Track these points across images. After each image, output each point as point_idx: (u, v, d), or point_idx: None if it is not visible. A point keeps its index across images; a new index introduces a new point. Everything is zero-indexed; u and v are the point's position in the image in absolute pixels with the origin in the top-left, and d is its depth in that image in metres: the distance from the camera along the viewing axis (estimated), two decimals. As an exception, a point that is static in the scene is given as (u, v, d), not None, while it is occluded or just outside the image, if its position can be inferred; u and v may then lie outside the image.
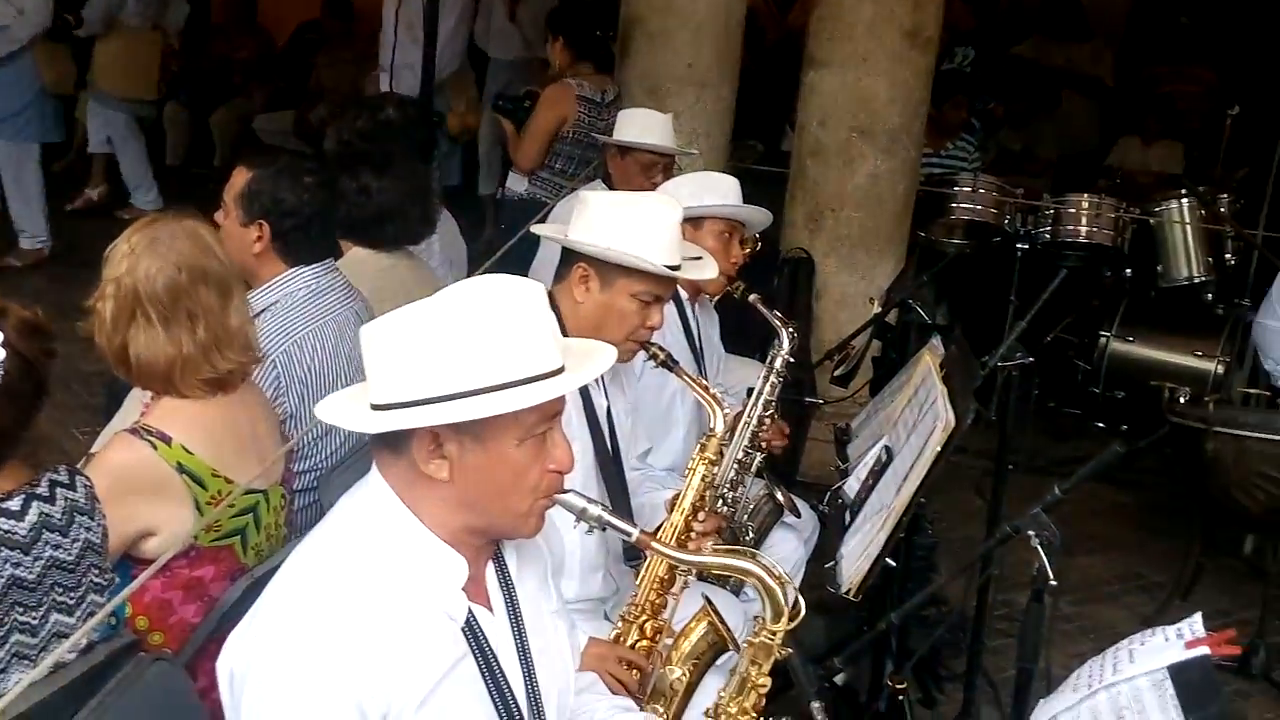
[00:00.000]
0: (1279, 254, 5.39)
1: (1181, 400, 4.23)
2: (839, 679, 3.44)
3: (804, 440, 4.89)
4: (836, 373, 4.31)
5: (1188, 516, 4.29)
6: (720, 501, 3.16)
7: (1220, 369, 5.63)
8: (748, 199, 3.48)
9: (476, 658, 1.66)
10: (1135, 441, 5.25)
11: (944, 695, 3.56)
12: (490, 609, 1.72)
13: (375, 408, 1.62)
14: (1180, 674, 1.72)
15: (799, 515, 3.29)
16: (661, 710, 2.46)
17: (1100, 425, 6.02)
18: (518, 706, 1.69)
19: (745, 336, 4.42)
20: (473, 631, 1.66)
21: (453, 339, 1.58)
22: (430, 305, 1.61)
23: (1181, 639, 1.78)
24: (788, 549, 3.30)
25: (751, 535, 3.22)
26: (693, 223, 3.28)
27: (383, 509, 1.65)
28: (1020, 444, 5.40)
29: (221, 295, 2.36)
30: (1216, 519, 4.20)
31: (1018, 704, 2.28)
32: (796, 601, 1.76)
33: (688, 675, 2.42)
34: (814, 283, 5.14)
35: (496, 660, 1.67)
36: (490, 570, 1.75)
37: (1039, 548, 2.11)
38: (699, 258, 2.94)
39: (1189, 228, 5.67)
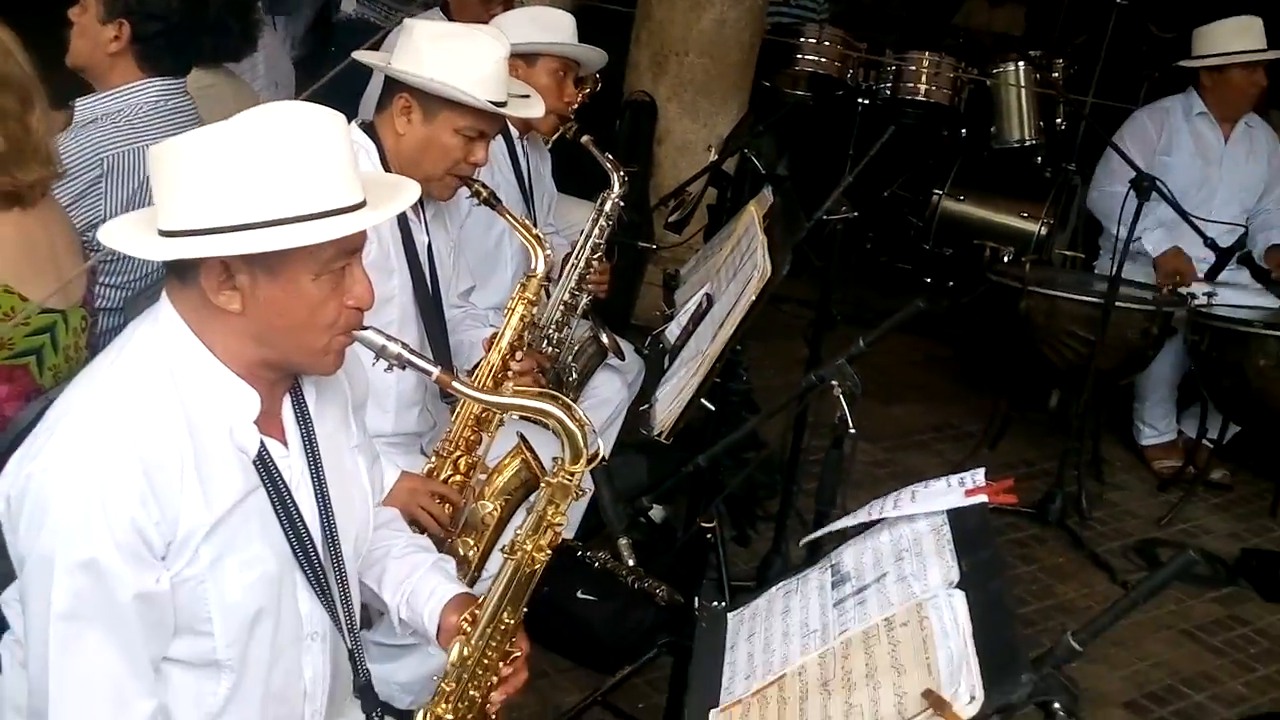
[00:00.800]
0: (1108, 119, 5.53)
1: (1005, 260, 4.36)
2: (656, 516, 3.54)
3: (639, 284, 4.92)
4: (671, 219, 4.31)
5: (1000, 370, 4.46)
6: (545, 342, 3.17)
7: (1044, 230, 5.80)
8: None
9: (268, 490, 1.64)
10: (940, 300, 5.43)
11: (757, 533, 3.68)
12: (285, 444, 1.69)
13: (162, 234, 1.56)
14: (958, 519, 1.80)
15: (623, 358, 3.32)
16: (473, 543, 2.49)
17: (928, 280, 6.18)
18: (311, 540, 1.68)
19: (584, 177, 4.39)
20: (264, 464, 1.64)
21: (247, 166, 1.52)
22: (225, 130, 1.55)
23: (963, 486, 1.86)
24: (611, 390, 3.33)
25: (575, 376, 3.24)
26: (526, 59, 3.21)
27: (172, 338, 1.60)
28: (845, 296, 5.57)
29: (21, 103, 2.22)
30: (1026, 374, 4.37)
31: (814, 545, 2.36)
32: (597, 444, 1.77)
33: (499, 510, 2.45)
34: (656, 127, 5.10)
35: (289, 494, 1.66)
36: (287, 404, 1.72)
37: (840, 397, 2.16)
38: (527, 95, 2.88)
39: (1023, 91, 5.77)
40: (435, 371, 1.72)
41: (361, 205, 1.62)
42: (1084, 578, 3.71)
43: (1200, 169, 4.43)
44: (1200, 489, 4.35)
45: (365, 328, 1.69)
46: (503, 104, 2.59)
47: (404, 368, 1.71)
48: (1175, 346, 4.28)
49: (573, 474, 1.76)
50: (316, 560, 1.70)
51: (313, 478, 1.71)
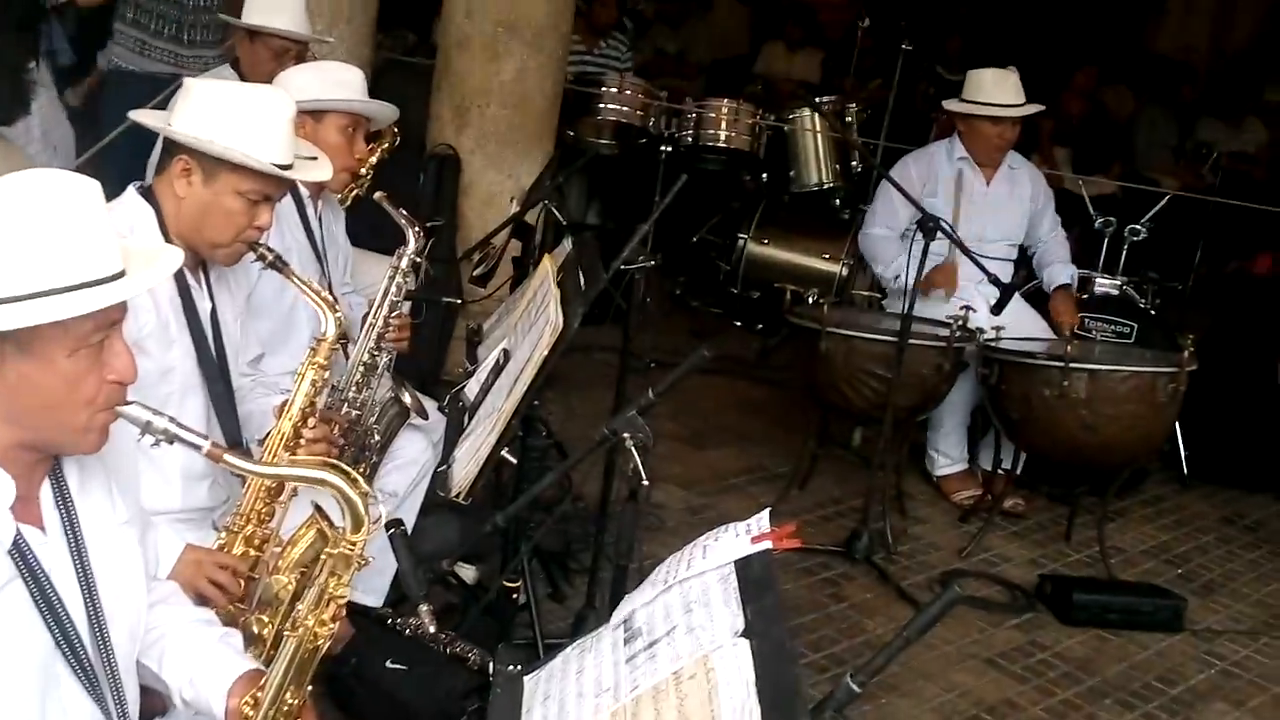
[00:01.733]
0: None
1: (810, 301, 4.46)
2: (468, 577, 3.49)
3: (449, 339, 4.88)
4: (476, 272, 4.30)
5: (807, 411, 4.55)
6: (346, 405, 3.10)
7: (845, 271, 5.98)
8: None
9: (26, 582, 1.56)
10: (717, 347, 5.52)
11: (573, 588, 3.66)
12: (44, 529, 1.61)
13: (-100, 312, 1.48)
14: (743, 568, 1.82)
15: (426, 417, 3.27)
16: (267, 620, 2.41)
17: (738, 324, 6.30)
18: (75, 630, 1.60)
19: (390, 232, 4.33)
20: (21, 554, 1.56)
21: (-11, 239, 1.46)
22: (-31, 200, 1.48)
23: (749, 534, 1.88)
24: (416, 450, 3.28)
25: (378, 438, 3.18)
26: (313, 116, 3.16)
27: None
28: (658, 342, 5.62)
29: None
30: (830, 413, 4.48)
31: (614, 600, 2.36)
32: (380, 511, 1.74)
33: (294, 584, 2.38)
34: (460, 180, 5.08)
35: (50, 583, 1.58)
36: (46, 487, 1.64)
37: (633, 449, 2.17)
38: (314, 157, 2.84)
39: (818, 136, 5.95)
40: (205, 445, 1.67)
41: (119, 276, 1.56)
42: (891, 612, 3.80)
43: (965, 211, 4.61)
44: (998, 518, 4.50)
45: (129, 402, 1.63)
46: (288, 166, 2.54)
47: (172, 443, 1.65)
48: (967, 379, 4.43)
49: (354, 544, 1.73)
50: (83, 651, 1.62)
51: (75, 563, 1.63)
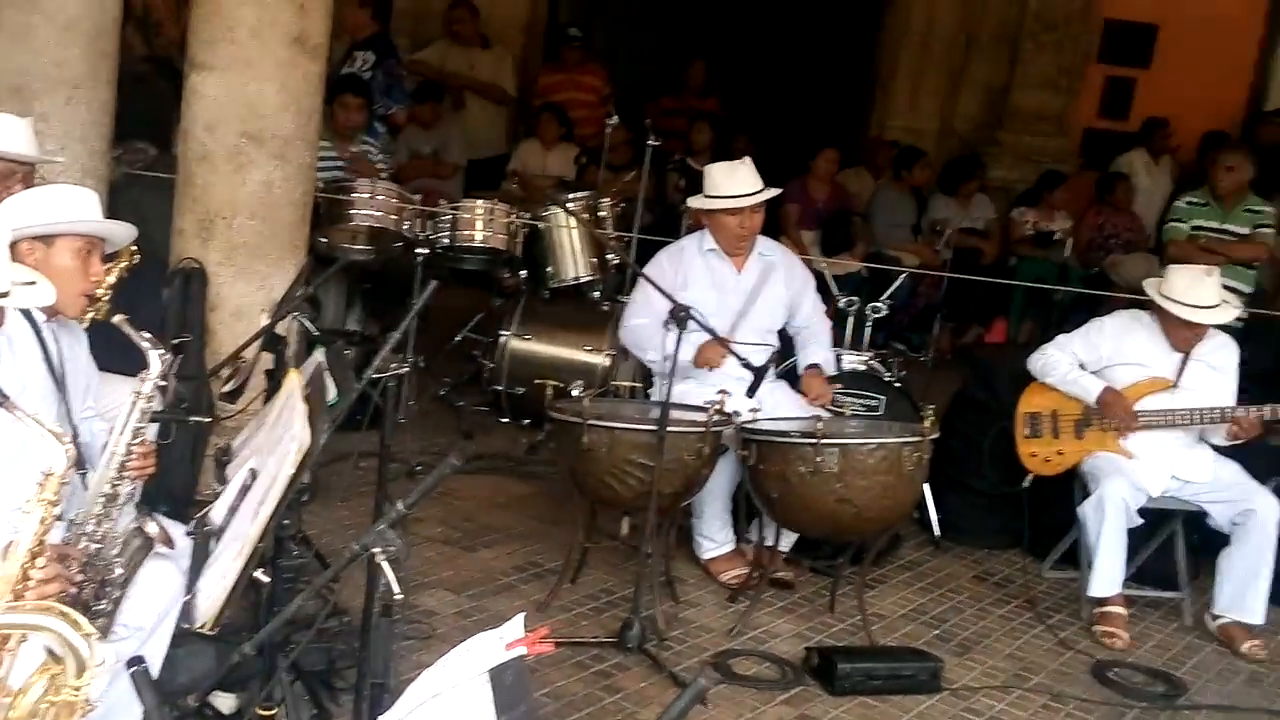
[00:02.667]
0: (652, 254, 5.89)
1: (575, 393, 4.50)
2: (226, 707, 3.37)
3: (200, 459, 4.73)
4: (225, 388, 4.20)
5: (575, 505, 4.58)
6: (84, 539, 2.97)
7: (608, 362, 6.09)
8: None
9: None
10: (470, 455, 5.56)
11: (340, 707, 3.57)
12: None
13: None
14: (498, 676, 1.82)
15: (173, 546, 3.16)
16: (-1, 777, 2.27)
17: (505, 420, 6.31)
18: None
19: (135, 353, 4.20)
20: None
21: None
22: None
23: (502, 641, 1.89)
24: (163, 580, 3.14)
25: (120, 571, 3.05)
26: (44, 241, 3.07)
27: None
28: (425, 445, 5.59)
29: None
30: (598, 504, 4.52)
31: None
32: (104, 654, 1.68)
33: (27, 735, 2.26)
34: (207, 294, 4.97)
35: None
36: None
37: (384, 564, 2.16)
38: (32, 282, 2.75)
39: (574, 231, 6.07)
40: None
41: None
42: (665, 699, 3.83)
43: (718, 300, 4.77)
44: (766, 594, 4.61)
45: None
46: (4, 294, 2.45)
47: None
48: (727, 462, 4.56)
49: (77, 689, 1.66)
50: None
51: None
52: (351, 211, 5.78)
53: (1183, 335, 4.89)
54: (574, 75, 9.13)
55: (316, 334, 3.98)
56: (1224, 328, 5.93)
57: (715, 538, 4.86)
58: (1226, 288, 6.07)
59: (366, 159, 6.48)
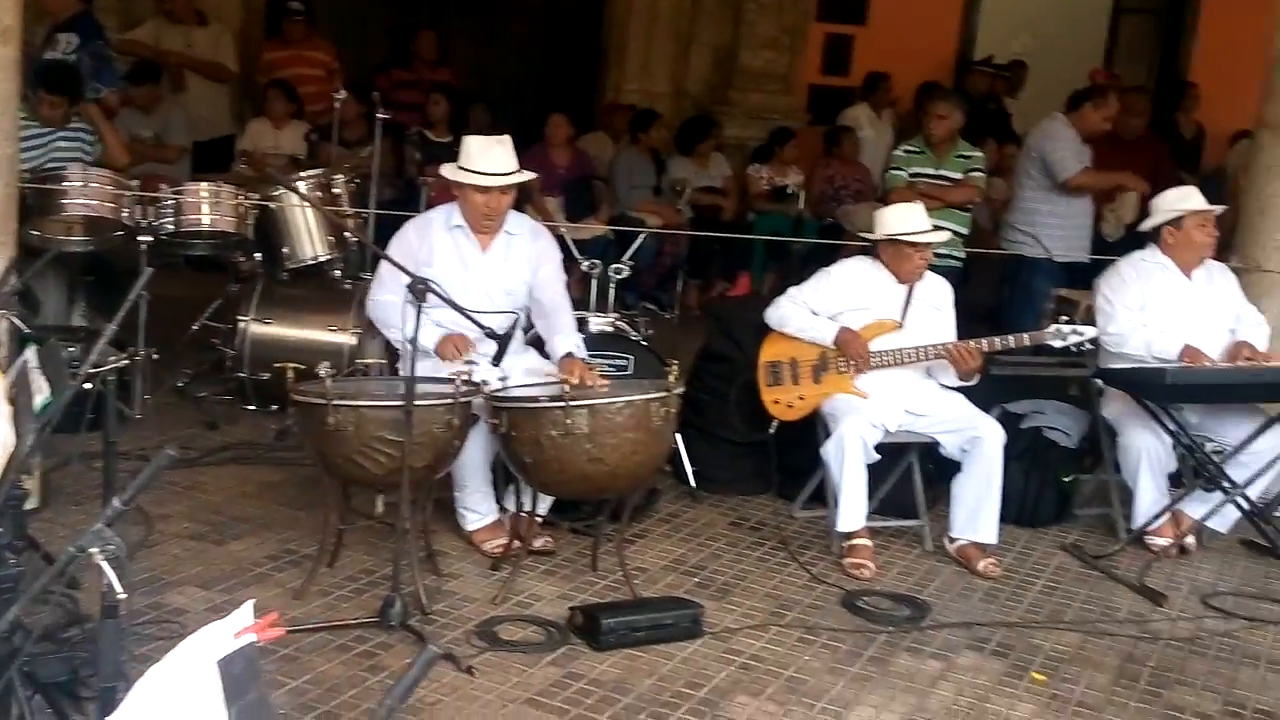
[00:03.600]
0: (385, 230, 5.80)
1: (321, 374, 4.38)
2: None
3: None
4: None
5: (327, 487, 4.48)
6: None
7: (354, 340, 5.97)
8: None
9: None
10: (190, 450, 5.39)
11: (86, 716, 3.40)
12: None
13: None
14: (227, 665, 1.77)
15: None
16: None
17: (251, 408, 6.12)
18: None
19: None
20: None
21: None
22: None
23: (231, 630, 1.83)
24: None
25: None
26: None
27: None
28: (176, 437, 5.36)
29: None
30: (350, 485, 4.44)
31: (106, 725, 2.22)
32: None
33: None
34: (-93, 297, 4.62)
35: None
36: None
37: (103, 564, 2.06)
38: None
39: (307, 210, 5.91)
40: None
41: None
42: (433, 673, 3.80)
43: (463, 276, 4.73)
44: (529, 559, 4.63)
45: None
46: None
47: None
48: (480, 432, 4.54)
49: None
50: None
51: None
52: (64, 202, 5.47)
53: (907, 267, 5.14)
54: (300, 50, 8.88)
55: (27, 332, 3.75)
56: (946, 269, 6.31)
57: (478, 509, 4.83)
58: (945, 228, 6.47)
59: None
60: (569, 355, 4.71)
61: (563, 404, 4.29)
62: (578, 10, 10.97)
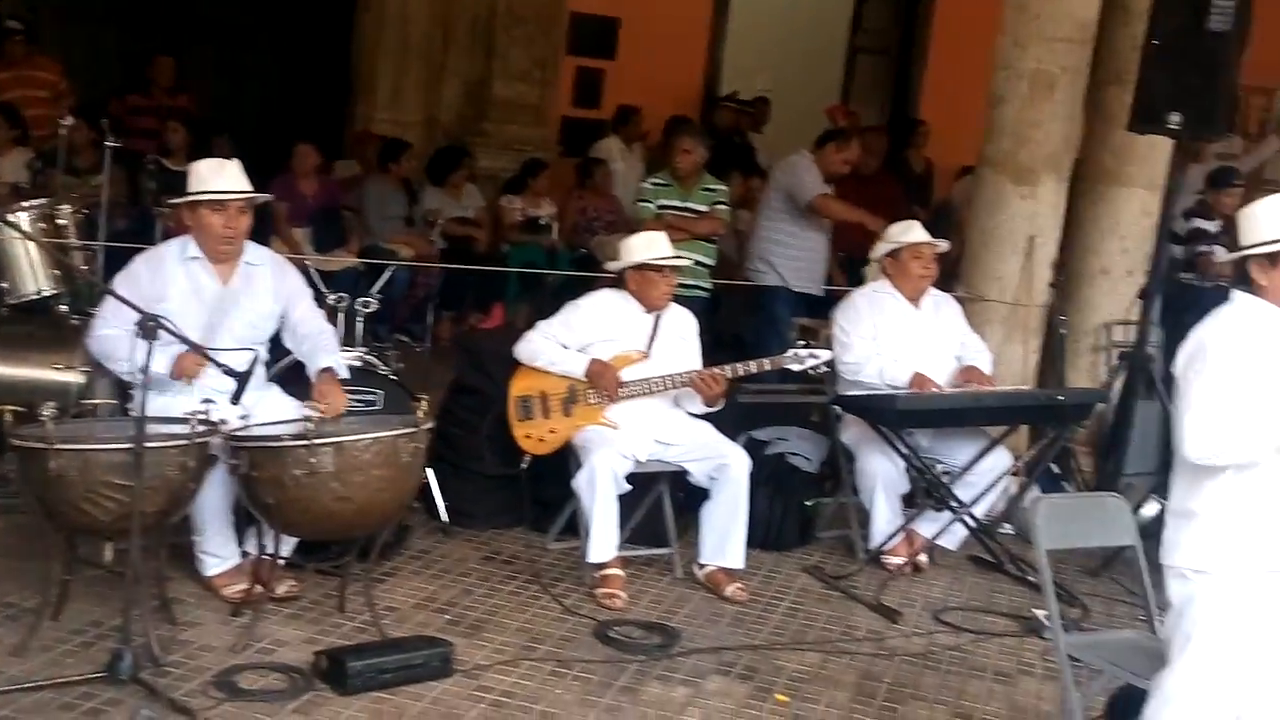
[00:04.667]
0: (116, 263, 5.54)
1: (44, 416, 4.12)
2: None
3: None
4: None
5: (49, 536, 4.22)
6: None
7: (82, 379, 5.64)
8: None
9: None
10: None
11: None
12: None
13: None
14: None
15: None
16: None
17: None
18: None
19: None
20: None
21: None
22: None
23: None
24: None
25: None
26: None
27: None
28: None
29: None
30: (76, 533, 4.20)
31: None
32: None
33: None
34: None
35: None
36: None
37: None
38: None
39: (29, 244, 5.57)
40: None
41: None
42: (171, 729, 3.63)
43: (198, 309, 4.56)
44: (273, 605, 4.48)
45: None
46: None
47: None
48: (220, 474, 4.37)
49: None
50: None
51: None
52: None
53: (654, 294, 5.25)
54: (22, 71, 8.40)
55: None
56: (693, 299, 6.46)
57: (218, 553, 4.64)
58: (692, 260, 6.63)
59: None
60: (327, 370, 4.63)
61: (306, 442, 4.18)
62: (324, 38, 10.76)
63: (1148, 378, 6.10)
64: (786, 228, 7.33)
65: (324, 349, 4.80)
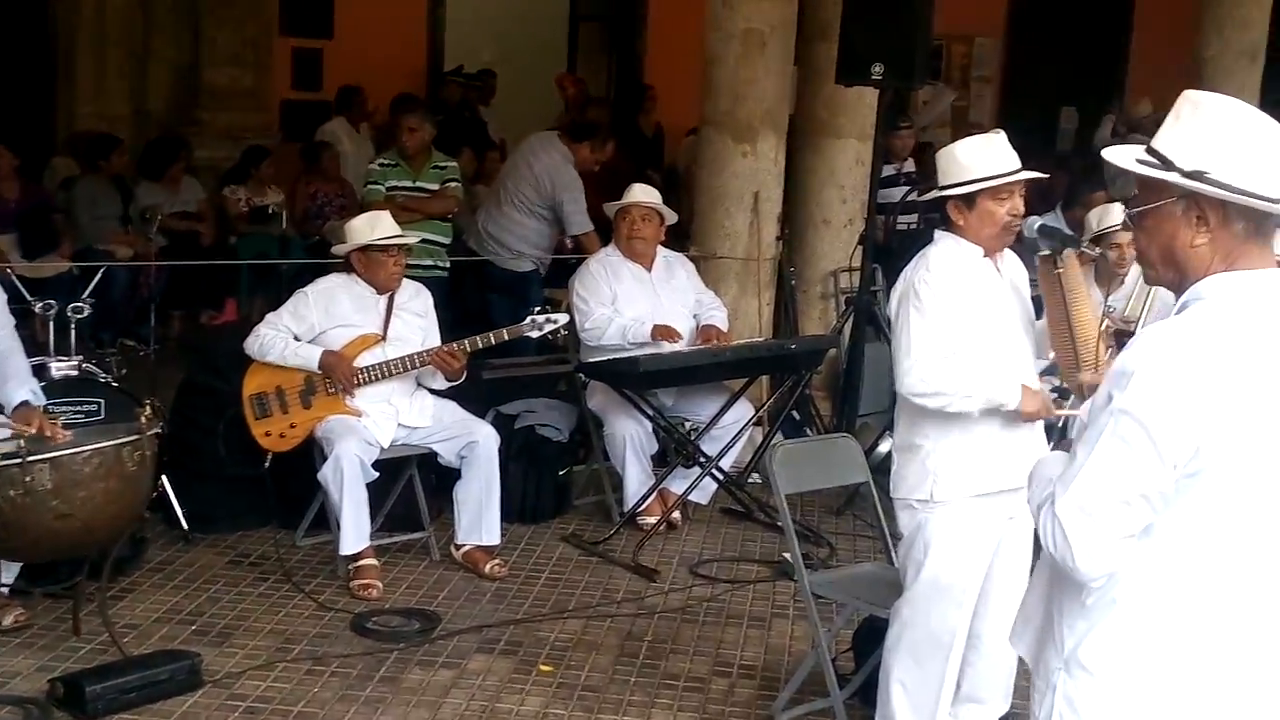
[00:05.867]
0: None
1: None
2: None
3: None
4: None
5: None
6: None
7: None
8: None
9: None
10: None
11: None
12: None
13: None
14: None
15: None
16: None
17: None
18: None
19: None
20: None
21: None
22: None
23: None
24: None
25: None
26: None
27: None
28: None
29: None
30: None
31: None
32: None
33: None
34: None
35: None
36: None
37: None
38: None
39: None
40: None
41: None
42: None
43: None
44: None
45: None
46: None
47: None
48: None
49: None
50: None
51: None
52: None
53: (383, 274, 5.15)
54: None
55: None
56: (432, 279, 6.38)
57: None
58: (428, 240, 6.55)
59: None
60: (24, 404, 4.30)
61: (19, 460, 3.91)
62: (20, 28, 10.05)
63: (874, 321, 6.38)
64: (527, 210, 7.22)
65: (15, 375, 4.33)
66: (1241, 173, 2.02)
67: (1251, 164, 2.03)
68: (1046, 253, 3.53)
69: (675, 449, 5.82)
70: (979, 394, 3.39)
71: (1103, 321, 4.13)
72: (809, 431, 6.62)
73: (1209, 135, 2.06)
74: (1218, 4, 9.00)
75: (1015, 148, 3.55)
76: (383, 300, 5.20)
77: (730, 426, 5.76)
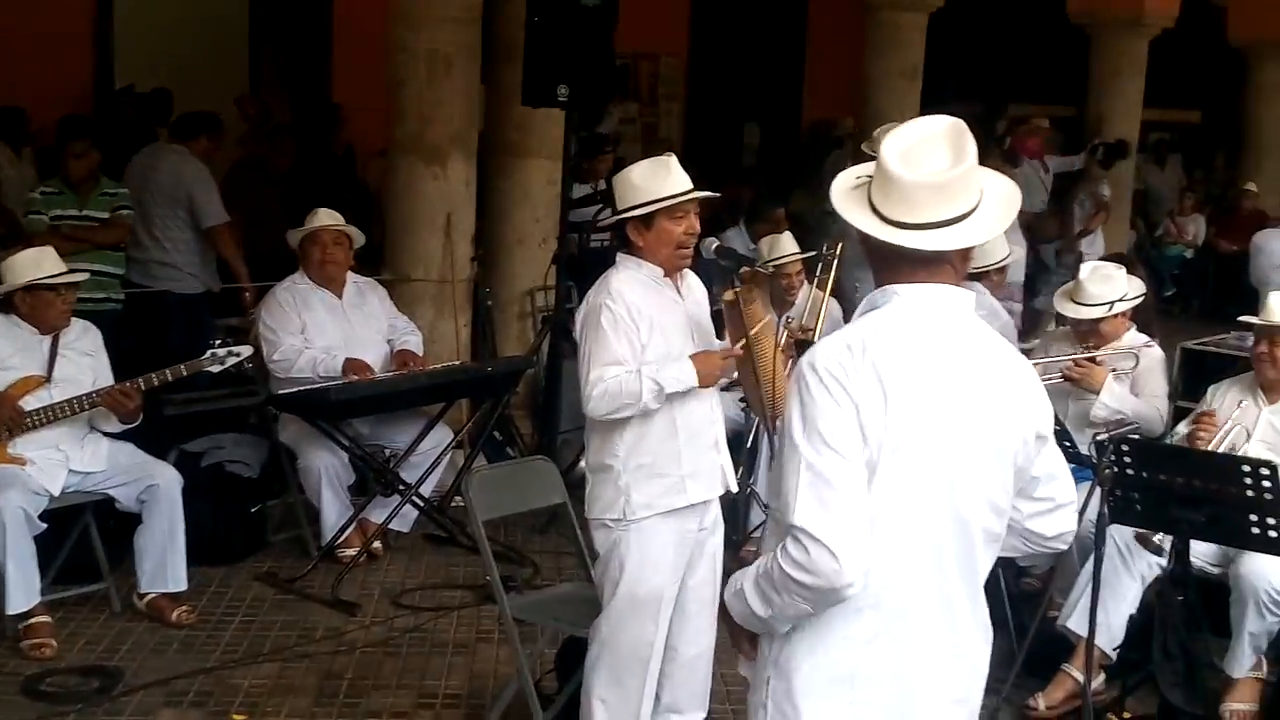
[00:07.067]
0: None
1: None
2: None
3: None
4: None
5: None
6: None
7: None
8: None
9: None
10: None
11: None
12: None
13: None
14: None
15: None
16: None
17: None
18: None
19: None
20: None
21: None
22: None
23: None
24: None
25: None
26: None
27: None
28: None
29: None
30: None
31: None
32: None
33: None
34: None
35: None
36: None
37: None
38: None
39: None
40: None
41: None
42: None
43: None
44: None
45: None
46: None
47: None
48: None
49: None
50: None
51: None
52: None
53: (49, 315, 4.87)
54: None
55: None
56: (104, 313, 6.02)
57: None
58: (99, 272, 6.18)
59: None
60: None
61: None
62: None
63: (570, 338, 6.42)
64: (169, 231, 6.94)
65: None
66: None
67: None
68: (730, 296, 3.67)
69: (374, 477, 5.69)
70: (649, 382, 3.43)
71: (781, 334, 4.30)
72: (511, 451, 6.61)
73: None
74: (878, 27, 9.58)
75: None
76: (47, 340, 4.86)
77: (430, 452, 5.68)
